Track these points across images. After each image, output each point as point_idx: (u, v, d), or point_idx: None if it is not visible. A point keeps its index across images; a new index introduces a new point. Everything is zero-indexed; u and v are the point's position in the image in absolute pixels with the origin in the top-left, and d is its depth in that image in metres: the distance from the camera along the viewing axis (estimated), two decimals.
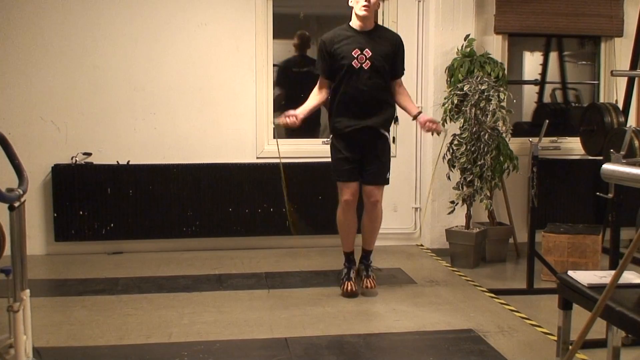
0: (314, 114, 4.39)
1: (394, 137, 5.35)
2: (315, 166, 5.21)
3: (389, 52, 3.96)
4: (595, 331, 2.40)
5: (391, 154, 4.18)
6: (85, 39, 5.06)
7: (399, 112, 4.30)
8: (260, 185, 5.23)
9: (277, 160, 5.00)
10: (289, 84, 5.60)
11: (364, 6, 3.85)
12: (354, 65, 3.89)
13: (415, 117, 4.01)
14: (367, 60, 3.89)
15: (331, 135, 4.08)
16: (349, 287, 4.04)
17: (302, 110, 3.94)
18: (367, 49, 3.89)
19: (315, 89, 4.07)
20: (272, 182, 5.22)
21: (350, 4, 3.95)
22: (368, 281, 4.09)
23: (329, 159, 4.13)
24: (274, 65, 5.39)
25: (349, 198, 3.98)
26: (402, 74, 4.09)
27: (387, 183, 4.08)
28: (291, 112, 3.88)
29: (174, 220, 5.15)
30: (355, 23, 3.96)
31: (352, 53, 3.89)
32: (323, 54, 3.98)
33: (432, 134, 4.17)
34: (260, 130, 5.31)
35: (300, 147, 5.38)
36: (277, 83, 5.50)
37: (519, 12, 5.46)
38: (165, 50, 5.16)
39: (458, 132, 4.88)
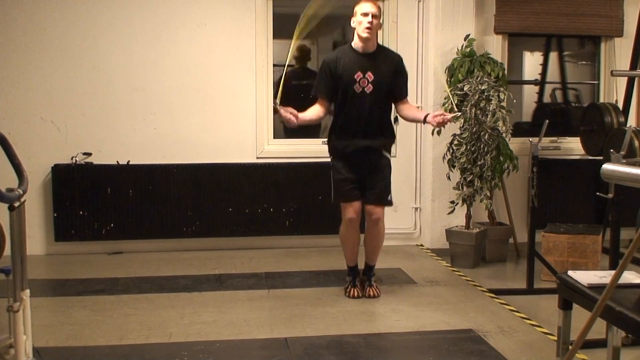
0: None
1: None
2: (315, 166, 5.21)
3: (391, 74, 3.93)
4: (595, 331, 2.40)
5: (391, 154, 4.16)
6: (85, 40, 5.06)
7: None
8: (260, 185, 5.23)
9: (277, 161, 5.01)
10: (289, 97, 5.55)
11: (366, 28, 3.83)
12: (356, 89, 3.87)
13: (425, 121, 3.95)
14: (369, 84, 3.88)
15: (330, 157, 4.05)
16: (354, 293, 4.05)
17: (302, 116, 3.89)
18: (369, 72, 3.87)
19: (314, 107, 3.99)
20: (272, 182, 5.23)
21: (352, 25, 3.93)
22: (371, 290, 4.08)
23: (329, 159, 4.12)
24: (275, 65, 5.38)
25: (353, 216, 3.95)
26: (406, 96, 4.05)
27: (391, 204, 4.05)
28: (294, 111, 3.86)
29: (174, 220, 5.15)
30: (357, 44, 3.93)
31: (355, 77, 3.87)
32: (325, 75, 3.94)
33: (443, 127, 4.09)
34: (260, 130, 5.31)
35: (300, 147, 5.38)
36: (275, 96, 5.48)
37: (519, 12, 5.46)
38: (165, 50, 5.16)
39: (458, 132, 4.88)
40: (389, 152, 4.06)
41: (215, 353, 3.15)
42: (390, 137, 4.06)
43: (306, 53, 5.58)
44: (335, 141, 4.00)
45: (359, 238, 4.09)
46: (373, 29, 3.87)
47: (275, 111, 3.95)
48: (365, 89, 3.88)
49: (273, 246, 5.30)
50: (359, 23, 3.87)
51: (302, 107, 3.93)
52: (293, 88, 5.57)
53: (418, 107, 4.06)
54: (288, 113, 3.79)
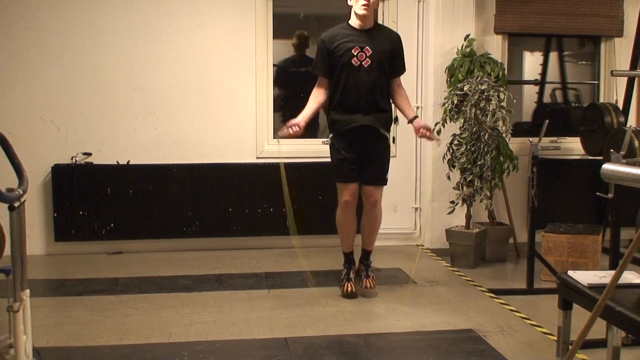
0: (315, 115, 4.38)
1: (393, 137, 5.35)
2: (315, 166, 5.21)
3: (389, 49, 3.95)
4: (595, 331, 2.40)
5: (391, 154, 4.17)
6: (85, 39, 5.06)
7: (398, 112, 4.29)
8: (260, 185, 5.23)
9: (277, 160, 5.00)
10: (288, 84, 5.60)
11: (363, 5, 3.85)
12: (354, 63, 3.88)
13: (410, 121, 4.00)
14: (367, 58, 3.89)
15: (330, 135, 4.07)
16: (349, 288, 4.04)
17: (303, 117, 3.90)
18: (367, 47, 3.89)
19: (314, 91, 4.03)
20: (272, 182, 5.22)
21: (349, 2, 3.95)
22: (368, 281, 4.09)
23: (329, 159, 4.13)
24: (276, 65, 5.39)
25: (349, 199, 3.97)
26: (403, 72, 4.08)
27: (386, 183, 4.08)
28: (293, 121, 3.86)
29: (174, 220, 5.15)
30: (354, 22, 3.96)
31: (352, 51, 3.89)
32: (322, 53, 3.97)
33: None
34: (260, 130, 5.31)
35: (300, 147, 5.38)
36: (276, 83, 5.50)
37: (519, 12, 5.46)
38: (165, 50, 5.16)
39: (458, 132, 4.88)
40: (388, 131, 4.06)
41: (215, 353, 3.15)
42: (389, 112, 4.06)
43: (305, 40, 5.57)
44: (334, 117, 3.99)
45: (355, 223, 4.09)
46: (370, 6, 3.88)
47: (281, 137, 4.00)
48: (363, 63, 3.89)
49: (273, 246, 5.30)
50: (356, 1, 3.88)
51: (302, 93, 3.93)
52: (292, 75, 5.58)
53: (417, 108, 4.08)
54: (290, 129, 3.83)
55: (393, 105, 4.15)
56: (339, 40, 3.92)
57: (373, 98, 3.93)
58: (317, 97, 4.02)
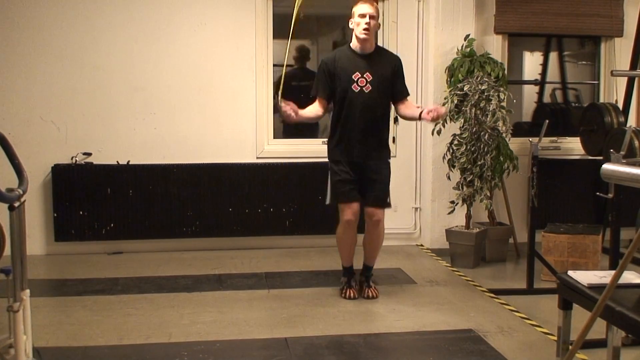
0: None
1: (394, 137, 5.35)
2: (315, 166, 5.20)
3: (389, 75, 3.95)
4: (595, 331, 2.40)
5: (391, 154, 4.15)
6: (85, 39, 5.06)
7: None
8: (260, 185, 5.23)
9: (278, 161, 5.01)
10: (289, 98, 5.55)
11: (364, 30, 3.85)
12: (354, 89, 3.88)
13: (420, 117, 3.96)
14: (368, 84, 3.89)
15: (329, 159, 4.04)
16: (351, 294, 4.04)
17: (302, 113, 3.89)
18: (367, 73, 3.89)
19: (314, 105, 3.99)
20: (272, 182, 5.23)
21: (350, 26, 3.95)
22: (369, 291, 4.07)
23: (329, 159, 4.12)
24: (276, 65, 5.38)
25: (351, 218, 3.94)
26: (406, 94, 4.05)
27: (389, 207, 4.06)
28: (295, 106, 3.84)
29: (174, 220, 5.15)
30: (355, 45, 3.95)
31: (352, 76, 3.89)
32: (324, 74, 3.95)
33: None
34: (260, 130, 5.31)
35: (300, 147, 5.38)
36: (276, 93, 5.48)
37: (519, 12, 5.46)
38: (165, 50, 5.16)
39: (458, 132, 4.88)
40: (389, 156, 4.07)
41: (215, 353, 3.15)
42: (387, 137, 4.06)
43: (305, 53, 5.58)
44: (334, 146, 3.99)
45: (355, 239, 4.08)
46: (371, 30, 3.88)
47: (276, 110, 3.95)
48: (364, 89, 3.89)
49: (273, 246, 5.30)
50: (357, 24, 3.88)
51: (302, 107, 3.93)
52: (293, 89, 5.57)
53: (418, 107, 4.07)
54: (289, 108, 3.79)
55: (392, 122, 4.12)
56: (340, 65, 3.92)
57: (373, 124, 3.93)
58: (315, 109, 3.98)
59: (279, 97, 3.84)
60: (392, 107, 4.09)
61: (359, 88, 3.88)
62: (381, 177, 3.99)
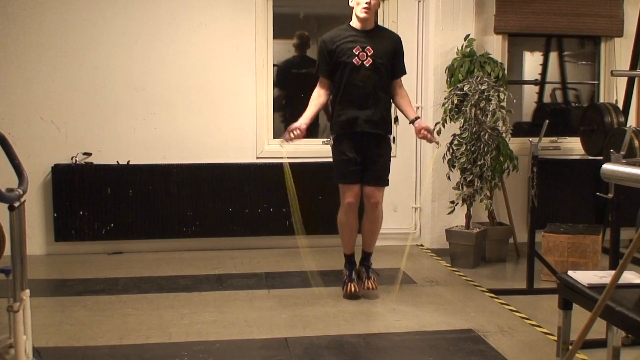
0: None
1: (394, 137, 5.35)
2: (315, 166, 5.20)
3: (390, 50, 3.97)
4: (595, 331, 2.40)
5: (391, 154, 4.17)
6: (85, 39, 5.06)
7: (399, 112, 4.29)
8: (260, 185, 5.22)
9: (279, 161, 4.99)
10: (289, 85, 5.60)
11: (364, 8, 3.86)
12: (355, 62, 3.89)
13: (412, 122, 4.00)
14: (368, 58, 3.90)
15: (332, 137, 4.07)
16: (352, 288, 4.04)
17: (305, 120, 3.91)
18: (368, 47, 3.90)
19: (315, 92, 4.04)
20: (272, 182, 5.22)
21: (350, 4, 3.96)
22: (369, 282, 4.09)
23: (329, 159, 4.13)
24: (274, 65, 5.39)
25: (352, 200, 3.96)
26: (403, 73, 4.09)
27: (387, 184, 4.08)
28: (294, 125, 3.87)
29: (174, 220, 5.15)
30: (355, 23, 3.98)
31: (354, 51, 3.90)
32: (324, 54, 3.98)
33: (438, 123, 4.11)
34: (260, 130, 5.31)
35: (300, 147, 5.34)
36: (276, 84, 5.49)
37: (519, 12, 5.46)
38: (165, 50, 5.16)
39: (458, 132, 4.88)
40: (390, 132, 4.08)
41: (215, 353, 3.15)
42: (389, 112, 4.07)
43: (305, 40, 5.56)
44: (337, 118, 3.99)
45: (357, 225, 4.10)
46: (371, 8, 3.90)
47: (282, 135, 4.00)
48: (365, 62, 3.90)
49: (273, 246, 5.30)
50: (357, 3, 3.90)
51: (303, 94, 3.93)
52: (292, 77, 5.58)
53: (418, 108, 4.08)
54: (292, 134, 3.84)
55: (393, 106, 4.16)
56: (340, 41, 3.94)
57: (375, 97, 3.93)
58: (317, 99, 4.02)
59: (282, 142, 3.94)
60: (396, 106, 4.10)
61: (360, 62, 3.90)
62: (382, 152, 4.00)
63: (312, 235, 5.26)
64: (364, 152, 3.96)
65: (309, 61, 5.49)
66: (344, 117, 3.96)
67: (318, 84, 4.06)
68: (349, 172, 3.96)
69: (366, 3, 3.85)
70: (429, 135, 3.95)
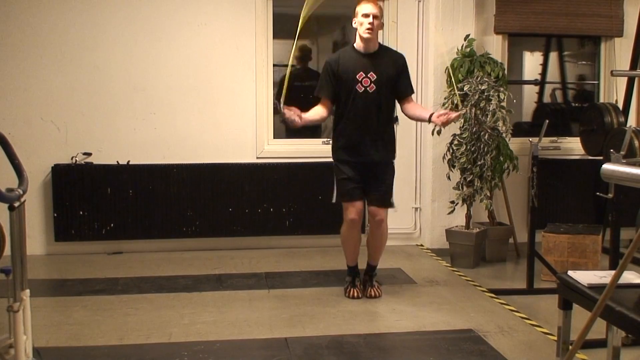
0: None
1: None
2: (316, 166, 5.20)
3: (393, 74, 3.94)
4: (595, 331, 2.40)
5: (394, 177, 4.11)
6: (85, 39, 5.06)
7: (398, 112, 4.28)
8: (260, 185, 5.23)
9: (279, 161, 5.01)
10: (291, 98, 5.55)
11: (367, 29, 3.84)
12: (358, 89, 3.88)
13: (430, 120, 3.93)
14: (372, 84, 3.88)
15: (333, 158, 4.04)
16: (354, 293, 4.04)
17: (306, 117, 3.88)
18: (371, 72, 3.88)
19: (317, 107, 3.99)
20: (272, 182, 5.23)
21: (354, 25, 3.94)
22: (373, 290, 4.08)
23: (330, 159, 4.12)
24: (276, 65, 5.37)
25: (355, 217, 3.94)
26: (411, 92, 4.05)
27: (392, 206, 4.06)
28: (298, 111, 3.84)
29: (174, 220, 5.15)
30: (359, 45, 3.94)
31: (357, 76, 3.88)
32: (328, 75, 3.94)
33: (445, 126, 4.05)
34: (260, 130, 5.31)
35: (301, 147, 5.38)
36: (278, 97, 5.47)
37: (519, 12, 5.46)
38: (165, 50, 5.16)
39: (458, 132, 4.88)
40: (394, 156, 4.06)
41: (215, 353, 3.15)
42: (393, 139, 4.05)
43: (307, 53, 5.57)
44: (339, 145, 3.98)
45: (360, 238, 4.10)
46: (374, 29, 3.88)
47: (276, 111, 3.92)
48: (368, 89, 3.89)
49: (273, 246, 5.30)
50: (360, 24, 3.88)
51: (305, 108, 3.91)
52: (295, 89, 5.55)
53: (427, 110, 4.06)
54: (292, 113, 3.79)
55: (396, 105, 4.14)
56: (343, 65, 3.92)
57: (377, 124, 3.92)
58: (318, 112, 3.97)
59: (281, 103, 3.81)
60: (398, 105, 4.09)
61: (363, 88, 3.88)
62: (385, 177, 3.99)
63: (313, 235, 5.29)
64: (366, 177, 3.96)
65: (311, 73, 5.48)
66: (345, 144, 3.94)
67: (320, 103, 3.99)
68: (350, 189, 3.93)
69: (369, 24, 3.83)
70: (447, 118, 3.79)
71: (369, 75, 3.88)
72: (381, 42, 4.16)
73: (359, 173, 3.94)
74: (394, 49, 4.79)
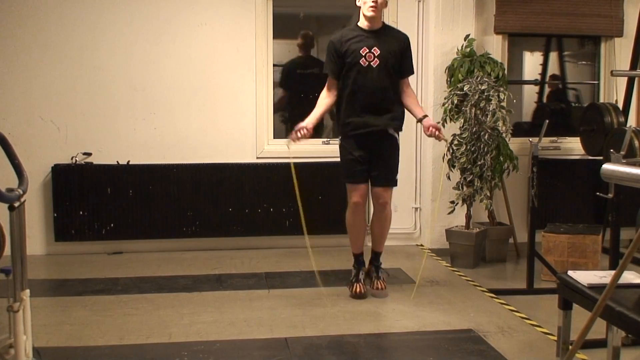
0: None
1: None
2: (316, 166, 5.20)
3: (397, 50, 3.96)
4: (595, 331, 2.40)
5: (399, 155, 4.14)
6: (85, 39, 5.06)
7: (406, 112, 4.27)
8: (260, 185, 5.23)
9: (283, 161, 5.01)
10: (294, 86, 5.58)
11: (371, 6, 3.86)
12: (362, 63, 3.89)
13: (420, 120, 4.00)
14: (375, 59, 3.89)
15: (340, 137, 4.06)
16: (358, 289, 4.04)
17: (312, 119, 3.91)
18: (375, 47, 3.90)
19: (324, 92, 4.03)
20: (272, 182, 5.22)
21: (357, 3, 3.96)
22: (379, 282, 4.09)
23: (330, 159, 4.14)
24: (276, 65, 5.38)
25: (359, 200, 3.97)
26: (411, 72, 4.09)
27: (396, 185, 4.08)
28: (301, 125, 3.86)
29: (174, 220, 5.15)
30: (362, 23, 3.97)
31: (361, 51, 3.89)
32: (332, 55, 3.97)
33: (438, 122, 4.11)
34: (260, 130, 5.31)
35: (301, 147, 5.32)
36: (281, 85, 5.49)
37: (519, 12, 5.46)
38: (165, 50, 5.16)
39: (458, 132, 4.88)
40: (397, 131, 4.05)
41: (215, 353, 3.15)
42: (398, 112, 4.03)
43: (310, 40, 5.55)
44: (344, 119, 3.99)
45: (365, 224, 4.11)
46: (378, 7, 3.90)
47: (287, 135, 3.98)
48: (372, 63, 3.89)
49: (273, 246, 5.30)
50: (364, 2, 3.89)
51: (309, 95, 3.91)
52: (298, 77, 5.56)
53: (422, 110, 4.08)
54: (299, 133, 3.83)
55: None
56: (347, 42, 3.93)
57: (382, 98, 3.93)
58: (324, 100, 4.01)
59: (289, 144, 3.91)
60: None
61: (367, 63, 3.89)
62: (390, 155, 3.99)
63: (315, 235, 5.26)
64: (372, 152, 3.96)
65: (314, 61, 5.49)
66: (351, 118, 3.95)
67: (326, 85, 4.05)
68: (356, 171, 3.96)
69: (373, 1, 3.85)
70: (436, 133, 3.93)
71: (372, 51, 3.89)
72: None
73: (365, 150, 3.94)
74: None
